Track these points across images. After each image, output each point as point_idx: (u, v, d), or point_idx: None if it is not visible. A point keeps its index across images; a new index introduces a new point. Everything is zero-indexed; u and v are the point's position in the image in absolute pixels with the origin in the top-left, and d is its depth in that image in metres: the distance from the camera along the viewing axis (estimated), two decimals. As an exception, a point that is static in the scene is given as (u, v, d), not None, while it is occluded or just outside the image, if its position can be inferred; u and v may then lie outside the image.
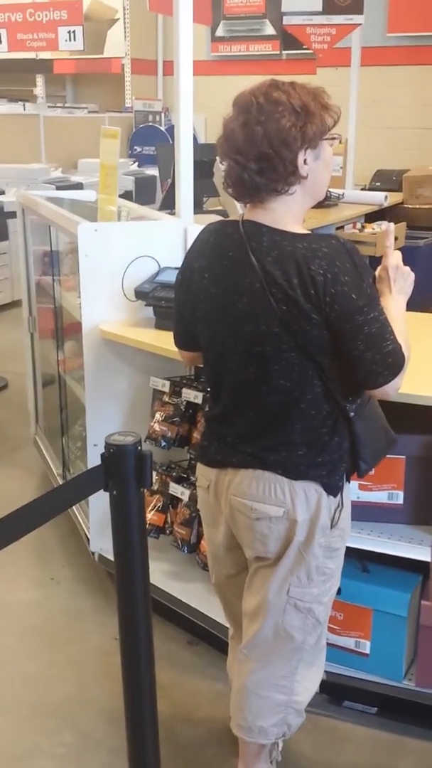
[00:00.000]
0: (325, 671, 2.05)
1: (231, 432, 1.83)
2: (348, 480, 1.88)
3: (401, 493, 2.34)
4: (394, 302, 1.83)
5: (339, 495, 1.82)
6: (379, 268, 1.86)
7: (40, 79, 9.72)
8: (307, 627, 1.88)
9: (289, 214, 1.71)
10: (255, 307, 1.68)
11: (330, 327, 1.65)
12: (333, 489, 1.80)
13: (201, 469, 1.94)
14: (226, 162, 1.70)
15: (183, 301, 1.87)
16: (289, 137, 1.62)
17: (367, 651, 2.36)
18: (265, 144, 1.62)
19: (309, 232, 1.71)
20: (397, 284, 1.85)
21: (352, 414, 1.80)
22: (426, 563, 2.25)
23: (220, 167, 1.79)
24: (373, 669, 2.37)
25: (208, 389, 1.98)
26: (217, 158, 3.30)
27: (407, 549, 2.27)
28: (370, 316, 1.65)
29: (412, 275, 1.88)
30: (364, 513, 2.29)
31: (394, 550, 2.28)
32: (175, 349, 2.01)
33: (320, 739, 2.29)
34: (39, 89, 9.78)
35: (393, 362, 1.69)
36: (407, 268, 1.87)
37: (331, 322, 1.64)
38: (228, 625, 2.16)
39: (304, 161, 1.66)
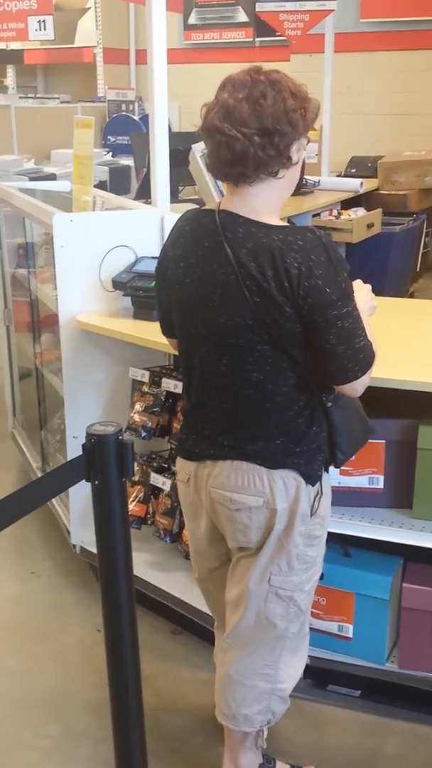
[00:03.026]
0: (309, 656, 2.07)
1: (207, 425, 1.82)
2: (326, 470, 1.88)
3: (382, 478, 2.36)
4: (363, 296, 1.85)
5: (318, 483, 1.82)
6: None
7: (10, 70, 9.61)
8: (289, 615, 1.88)
9: (268, 203, 1.69)
10: (229, 299, 1.67)
11: (303, 320, 1.64)
12: (311, 478, 1.80)
13: (180, 463, 1.93)
14: (220, 136, 1.62)
15: (161, 290, 1.87)
16: (294, 118, 1.62)
17: (350, 635, 2.38)
18: (270, 120, 1.60)
19: (285, 224, 1.69)
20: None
21: (329, 404, 1.80)
22: (407, 546, 2.27)
23: (196, 154, 1.77)
24: (356, 652, 2.39)
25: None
26: (193, 147, 3.28)
27: (388, 533, 2.29)
28: (344, 311, 1.64)
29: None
30: (345, 498, 2.30)
31: (376, 534, 2.29)
32: (154, 338, 2.01)
33: (305, 724, 2.31)
34: (9, 80, 9.68)
35: (364, 358, 1.69)
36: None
37: (303, 315, 1.63)
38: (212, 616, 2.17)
39: (296, 148, 1.66)
